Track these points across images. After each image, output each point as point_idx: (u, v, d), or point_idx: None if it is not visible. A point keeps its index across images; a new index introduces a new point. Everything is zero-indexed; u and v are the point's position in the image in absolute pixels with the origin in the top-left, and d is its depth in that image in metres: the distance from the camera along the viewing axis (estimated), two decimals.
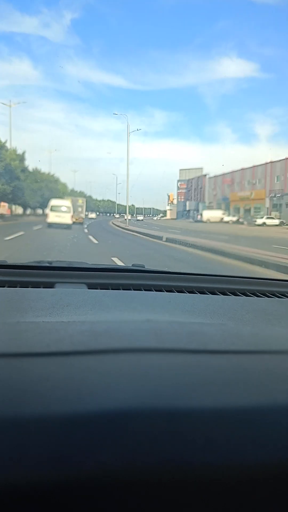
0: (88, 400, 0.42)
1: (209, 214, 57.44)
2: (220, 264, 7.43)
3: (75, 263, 1.21)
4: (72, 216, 20.98)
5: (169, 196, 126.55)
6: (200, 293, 1.02)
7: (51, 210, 20.44)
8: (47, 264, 1.16)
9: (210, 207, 72.41)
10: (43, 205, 59.37)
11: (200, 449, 0.39)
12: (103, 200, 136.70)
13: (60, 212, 20.00)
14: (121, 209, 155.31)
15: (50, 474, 0.35)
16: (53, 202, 21.24)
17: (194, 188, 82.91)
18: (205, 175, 76.60)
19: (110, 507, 0.36)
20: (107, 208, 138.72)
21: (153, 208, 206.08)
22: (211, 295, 1.02)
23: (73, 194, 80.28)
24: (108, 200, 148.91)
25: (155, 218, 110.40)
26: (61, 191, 69.75)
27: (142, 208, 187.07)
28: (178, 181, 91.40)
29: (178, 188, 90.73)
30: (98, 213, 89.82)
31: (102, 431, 0.38)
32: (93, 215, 77.65)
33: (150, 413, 0.41)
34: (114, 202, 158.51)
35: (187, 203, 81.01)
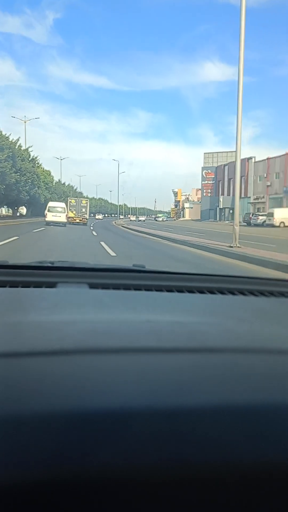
0: (89, 399, 0.42)
1: (284, 215, 35.12)
2: None
3: (77, 263, 1.21)
4: (67, 216, 26.76)
5: (176, 192, 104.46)
6: (200, 293, 1.04)
7: (49, 211, 25.72)
8: (49, 264, 1.15)
9: (257, 204, 50.48)
10: (8, 200, 35.77)
11: (201, 448, 0.39)
12: (94, 199, 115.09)
13: (57, 212, 25.59)
14: (115, 209, 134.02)
15: (51, 472, 0.36)
16: (51, 204, 27.30)
17: (229, 178, 60.71)
18: (250, 158, 54.23)
19: (110, 506, 0.36)
20: (99, 208, 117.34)
21: (147, 209, 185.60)
22: (210, 294, 1.03)
23: (59, 187, 57.74)
24: (100, 199, 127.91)
25: (159, 219, 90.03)
26: (43, 178, 46.99)
27: (136, 208, 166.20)
28: (203, 168, 67.20)
29: (203, 179, 66.36)
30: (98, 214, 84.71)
31: (103, 430, 0.39)
32: (99, 216, 76.73)
33: (150, 412, 0.41)
34: (106, 201, 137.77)
35: (221, 198, 58.16)
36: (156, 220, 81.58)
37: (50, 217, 25.21)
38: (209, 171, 64.76)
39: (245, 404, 0.44)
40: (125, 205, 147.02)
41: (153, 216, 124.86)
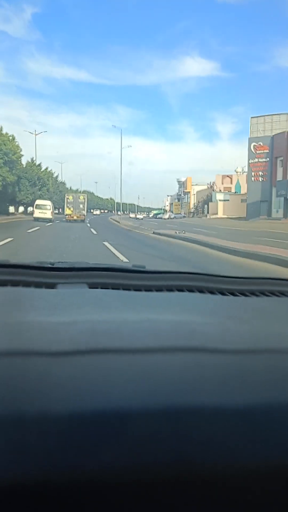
0: (89, 399, 0.42)
1: None
2: None
3: (77, 264, 1.21)
4: (52, 213, 30.79)
5: (183, 182, 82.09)
6: (200, 292, 1.04)
7: (36, 208, 30.77)
8: (49, 265, 1.16)
9: None
10: None
11: (201, 448, 0.39)
12: (78, 191, 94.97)
13: (43, 209, 30.30)
14: (101, 203, 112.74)
15: (51, 474, 0.36)
16: (38, 202, 31.69)
17: None
18: None
19: (111, 506, 0.37)
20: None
21: (136, 205, 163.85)
22: (210, 294, 1.03)
23: (32, 169, 33.22)
24: (84, 191, 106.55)
25: (165, 216, 69.10)
26: (7, 148, 25.60)
27: (126, 204, 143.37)
28: (251, 140, 43.59)
29: (252, 155, 43.00)
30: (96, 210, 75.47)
31: (102, 430, 0.39)
32: (97, 212, 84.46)
33: (150, 412, 0.42)
34: (92, 194, 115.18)
35: None
36: (160, 218, 60.91)
37: (37, 213, 30.07)
38: (262, 144, 43.38)
39: (245, 405, 0.44)
40: (112, 199, 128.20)
41: (140, 213, 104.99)
